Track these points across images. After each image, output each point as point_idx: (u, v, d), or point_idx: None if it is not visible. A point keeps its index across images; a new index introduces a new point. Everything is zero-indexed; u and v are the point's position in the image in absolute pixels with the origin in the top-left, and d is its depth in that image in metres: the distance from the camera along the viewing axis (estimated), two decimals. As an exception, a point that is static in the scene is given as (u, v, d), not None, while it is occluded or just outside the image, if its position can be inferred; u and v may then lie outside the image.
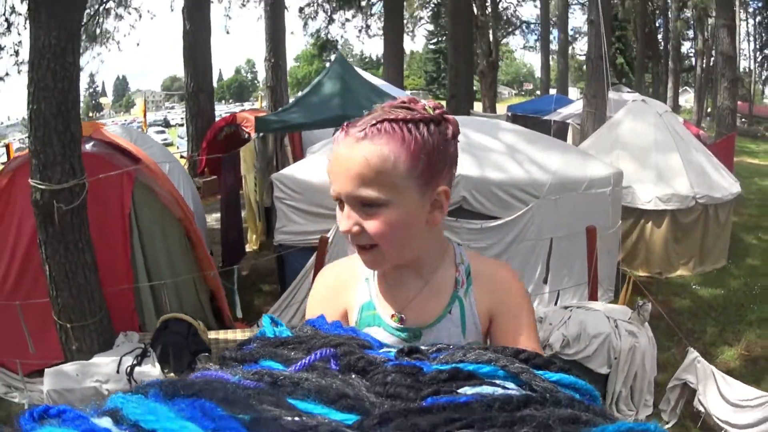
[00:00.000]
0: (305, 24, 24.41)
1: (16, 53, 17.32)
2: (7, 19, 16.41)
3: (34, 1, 4.11)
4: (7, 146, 15.05)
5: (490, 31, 24.89)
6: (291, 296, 5.27)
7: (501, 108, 23.31)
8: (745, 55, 42.86)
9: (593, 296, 4.94)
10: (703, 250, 7.52)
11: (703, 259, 7.55)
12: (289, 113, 8.79)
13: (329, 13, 24.32)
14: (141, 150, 5.91)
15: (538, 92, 37.21)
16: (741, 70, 41.78)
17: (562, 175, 5.67)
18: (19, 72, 17.27)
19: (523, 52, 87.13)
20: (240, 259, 7.89)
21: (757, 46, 42.23)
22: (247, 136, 11.42)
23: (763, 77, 43.22)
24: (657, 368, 4.44)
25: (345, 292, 1.29)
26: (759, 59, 42.68)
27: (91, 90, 69.96)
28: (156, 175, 5.42)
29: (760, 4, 38.29)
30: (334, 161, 1.09)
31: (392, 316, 1.22)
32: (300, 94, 9.89)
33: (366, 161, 1.04)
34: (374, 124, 1.06)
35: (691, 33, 36.41)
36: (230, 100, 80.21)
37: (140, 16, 21.10)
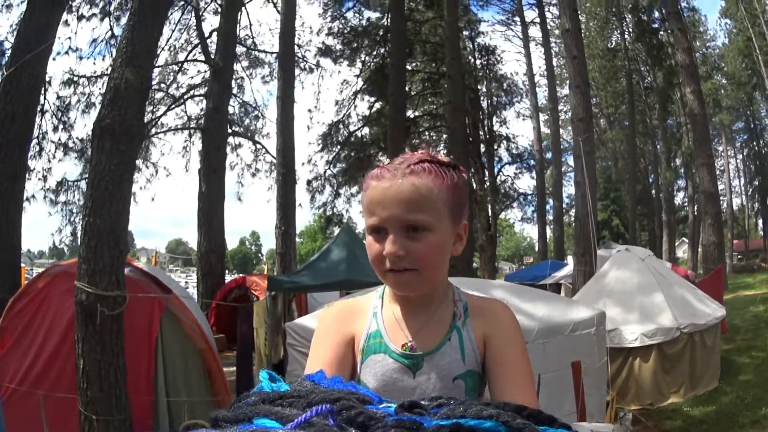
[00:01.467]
0: (312, 197, 25.30)
1: (45, 178, 18.19)
2: (39, 143, 17.36)
3: (99, 128, 4.85)
4: (20, 269, 15.45)
5: (489, 206, 25.73)
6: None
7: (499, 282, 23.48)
8: (737, 192, 43.88)
9: (582, 420, 5.45)
10: (693, 375, 7.85)
11: (694, 384, 7.86)
12: (299, 276, 9.50)
13: (335, 188, 25.32)
14: (168, 286, 6.54)
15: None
16: (735, 208, 42.74)
17: (548, 320, 6.31)
18: (45, 198, 18.15)
19: (523, 227, 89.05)
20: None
21: (747, 180, 43.13)
22: (255, 299, 11.88)
23: (756, 209, 43.93)
24: None
25: (352, 320, 1.39)
26: (749, 192, 43.44)
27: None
28: (183, 306, 6.04)
29: (745, 137, 39.63)
30: (379, 191, 1.24)
31: (403, 345, 1.32)
32: (310, 259, 10.62)
33: (417, 189, 1.21)
34: (417, 163, 1.24)
35: (682, 183, 37.31)
36: (234, 271, 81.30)
37: (156, 172, 22.21)
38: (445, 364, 1.30)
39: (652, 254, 10.10)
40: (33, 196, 17.66)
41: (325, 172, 25.45)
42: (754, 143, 39.59)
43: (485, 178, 26.74)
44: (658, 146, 34.85)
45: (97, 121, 5.05)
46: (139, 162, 20.44)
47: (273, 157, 17.76)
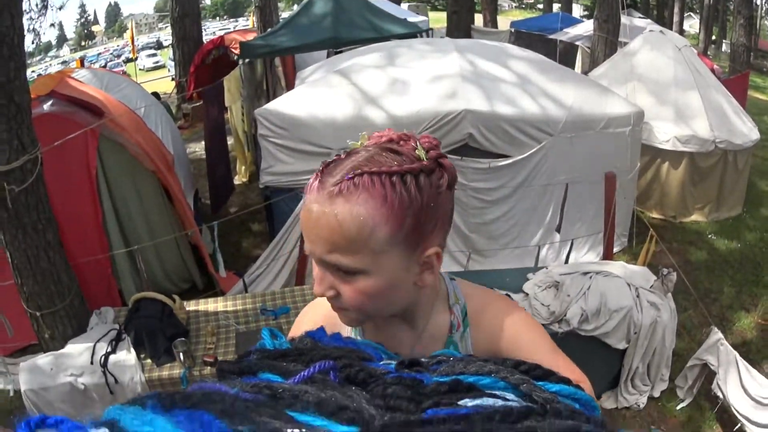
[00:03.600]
0: None
1: None
2: None
3: None
4: None
5: None
6: (279, 247, 4.84)
7: (503, 22, 21.97)
8: None
9: (609, 252, 4.52)
10: (720, 196, 7.11)
11: (720, 205, 7.16)
12: (276, 36, 8.23)
13: None
14: (111, 97, 5.40)
15: (540, 6, 35.88)
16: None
17: (579, 111, 5.15)
18: None
19: None
20: (228, 195, 7.54)
21: None
22: (235, 58, 10.66)
23: None
24: (674, 337, 4.11)
25: (337, 328, 1.09)
26: None
27: (82, 20, 68.89)
28: (124, 126, 4.90)
29: None
30: (305, 215, 0.92)
31: None
32: (289, 15, 9.21)
33: (339, 226, 0.86)
34: (351, 178, 0.86)
35: None
36: (224, 17, 78.57)
37: None
38: None
39: (689, 44, 8.73)
40: None
41: None
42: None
43: None
44: None
45: None
46: None
47: None
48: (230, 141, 7.93)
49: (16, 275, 3.91)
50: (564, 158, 5.08)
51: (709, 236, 6.76)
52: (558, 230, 5.18)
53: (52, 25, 19.68)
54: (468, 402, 0.58)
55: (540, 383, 0.64)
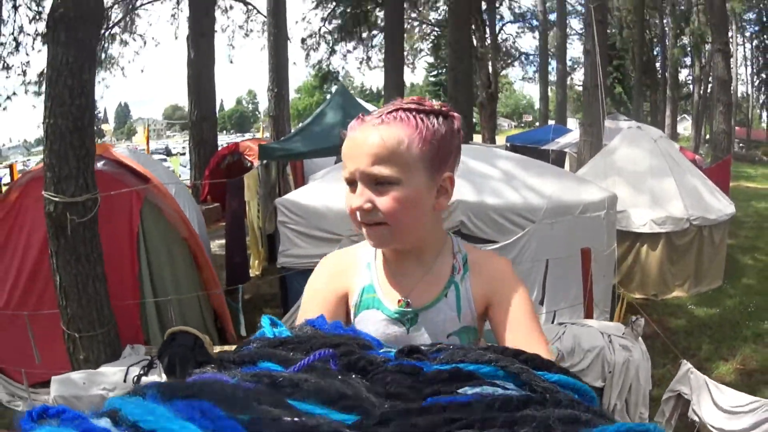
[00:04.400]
0: (307, 55, 24.64)
1: (24, 73, 17.60)
2: (15, 38, 16.70)
3: (53, 19, 4.29)
4: (11, 167, 15.22)
5: (490, 63, 25.13)
6: (293, 318, 5.39)
7: (500, 140, 23.49)
8: (743, 80, 43.21)
9: (589, 316, 5.05)
10: (698, 271, 7.63)
11: (699, 280, 7.66)
12: (291, 142, 9.01)
13: (331, 45, 24.61)
14: (148, 171, 6.08)
15: (537, 123, 37.35)
16: (739, 95, 42.18)
17: (557, 199, 5.82)
18: (26, 92, 17.82)
19: (522, 84, 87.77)
20: (244, 282, 7.98)
21: (754, 70, 42.47)
22: (249, 164, 11.50)
23: (761, 101, 43.51)
24: (652, 383, 4.51)
25: (345, 275, 1.34)
26: (756, 83, 42.99)
27: (93, 115, 70.50)
28: (164, 195, 5.61)
29: (757, 28, 38.60)
30: (350, 143, 1.17)
31: (399, 301, 1.27)
32: (302, 124, 10.06)
33: (383, 141, 1.12)
34: (390, 112, 1.16)
35: (688, 60, 36.57)
36: (231, 131, 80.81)
37: (145, 43, 21.45)
38: (440, 320, 1.28)
39: (664, 135, 9.55)
40: (15, 93, 17.37)
41: (320, 30, 24.61)
42: (765, 37, 38.50)
43: (486, 35, 25.72)
44: (666, 21, 33.65)
45: (50, 12, 4.45)
46: (126, 36, 20.47)
47: (264, 17, 16.69)
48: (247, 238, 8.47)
49: (62, 297, 4.37)
50: (546, 242, 5.68)
51: (689, 307, 7.19)
52: (542, 303, 5.73)
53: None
54: (468, 390, 0.60)
55: (540, 373, 0.65)
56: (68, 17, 4.23)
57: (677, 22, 32.12)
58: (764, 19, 36.88)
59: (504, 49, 27.74)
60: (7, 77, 17.00)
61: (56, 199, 4.25)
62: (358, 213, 1.17)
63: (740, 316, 6.93)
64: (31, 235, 5.19)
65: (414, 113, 1.16)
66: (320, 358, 0.63)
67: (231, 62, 23.62)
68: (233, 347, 3.55)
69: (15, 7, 15.92)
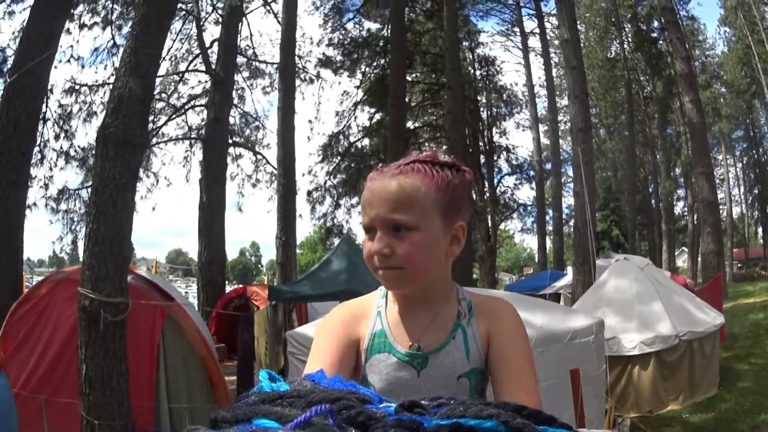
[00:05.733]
0: (313, 208, 25.27)
1: (46, 186, 18.02)
2: (41, 151, 17.24)
3: (104, 136, 4.90)
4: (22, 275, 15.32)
5: (489, 216, 25.72)
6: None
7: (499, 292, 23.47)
8: (737, 200, 43.79)
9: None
10: (692, 383, 7.85)
11: (693, 391, 7.86)
12: (299, 285, 9.52)
13: (335, 198, 25.27)
14: (170, 293, 6.57)
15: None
16: (735, 216, 42.69)
17: (547, 329, 6.29)
18: (46, 206, 18.04)
19: (523, 237, 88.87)
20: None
21: (747, 188, 42.89)
22: (256, 308, 11.94)
23: (755, 217, 43.64)
24: None
25: (358, 322, 1.40)
26: (749, 201, 43.12)
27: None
28: (185, 314, 6.07)
29: (745, 145, 39.42)
30: (370, 192, 1.25)
31: (410, 345, 1.32)
32: (310, 269, 10.66)
33: (401, 188, 1.21)
34: (407, 164, 1.26)
35: (682, 192, 37.21)
36: (234, 282, 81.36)
37: (157, 182, 22.15)
38: (450, 362, 1.31)
39: (650, 263, 10.07)
40: (35, 204, 17.63)
41: (325, 183, 25.48)
42: (754, 151, 39.40)
43: (485, 189, 26.77)
44: (658, 156, 34.78)
45: (101, 128, 5.09)
46: (140, 171, 20.33)
47: (273, 167, 17.74)
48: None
49: (85, 385, 4.61)
50: (537, 368, 6.12)
51: (684, 416, 7.37)
52: (535, 427, 6.14)
53: (74, 243, 20.37)
54: None
55: (542, 427, 0.63)
56: (116, 137, 4.87)
57: (668, 155, 33.00)
58: (751, 133, 37.81)
59: (502, 201, 28.38)
60: (29, 186, 17.56)
61: (92, 295, 4.66)
62: (376, 258, 1.25)
63: (736, 415, 7.09)
64: (56, 329, 5.57)
65: (429, 165, 1.26)
66: (318, 414, 0.60)
67: (240, 210, 24.31)
68: None
69: (44, 120, 16.30)
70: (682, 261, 41.84)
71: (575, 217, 12.72)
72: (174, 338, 6.03)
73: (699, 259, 30.84)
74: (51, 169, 18.28)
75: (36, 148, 15.80)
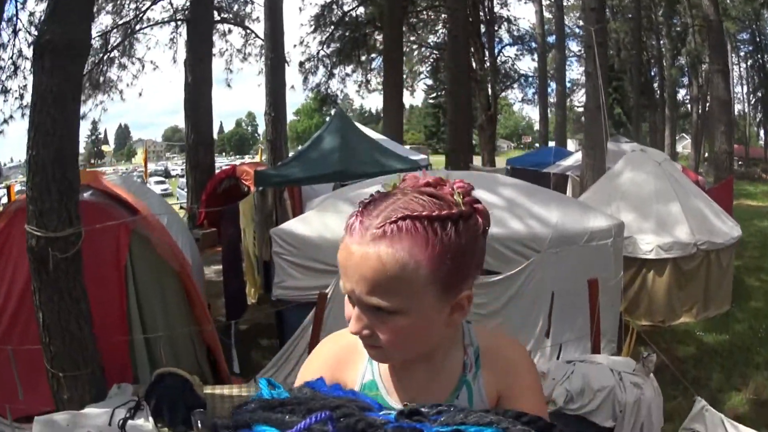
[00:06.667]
0: (305, 79, 24.68)
1: (21, 96, 17.71)
2: (14, 62, 16.93)
3: (40, 46, 4.13)
4: (9, 188, 15.10)
5: (489, 85, 25.24)
6: (289, 352, 5.18)
7: (500, 161, 23.37)
8: (739, 98, 43.48)
9: (596, 349, 4.85)
10: (706, 296, 7.46)
11: (707, 305, 7.48)
12: (288, 168, 8.87)
13: (329, 68, 24.68)
14: (140, 201, 5.90)
15: (537, 145, 37.44)
16: (736, 113, 42.49)
17: (563, 228, 5.63)
18: (23, 116, 17.68)
19: (521, 105, 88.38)
20: (242, 312, 7.85)
21: (750, 89, 42.91)
22: (246, 189, 11.48)
23: (758, 119, 43.77)
24: (663, 418, 4.33)
25: (345, 368, 1.16)
26: (753, 102, 43.35)
27: (93, 137, 70.78)
28: (153, 226, 5.40)
29: (751, 48, 39.00)
30: (345, 255, 0.95)
31: (405, 405, 1.05)
32: (300, 148, 9.93)
33: (383, 267, 0.90)
34: (395, 221, 0.91)
35: (686, 80, 36.90)
36: (231, 153, 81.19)
37: (143, 67, 21.60)
38: None
39: (668, 158, 9.42)
40: (11, 116, 17.47)
41: (318, 53, 24.75)
42: (759, 56, 38.70)
43: (485, 59, 25.90)
44: (662, 42, 33.92)
45: (36, 38, 4.39)
46: (124, 59, 20.68)
47: (262, 40, 16.80)
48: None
49: (45, 335, 4.15)
50: (551, 272, 5.49)
51: (698, 333, 7.01)
52: (547, 335, 5.52)
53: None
54: None
55: None
56: (55, 45, 4.06)
57: (674, 43, 32.52)
58: (757, 39, 37.25)
59: (503, 71, 27.83)
60: (5, 101, 17.13)
61: (38, 233, 4.03)
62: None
63: (750, 342, 6.75)
64: (18, 267, 4.97)
65: (426, 222, 0.91)
66: (318, 422, 0.61)
67: (229, 86, 23.65)
68: (225, 386, 3.35)
69: (15, 32, 16.15)
70: (681, 147, 42.01)
71: (586, 99, 11.96)
72: (143, 256, 5.35)
73: (702, 150, 30.62)
74: (25, 78, 17.52)
75: (9, 61, 16.09)
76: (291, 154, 12.34)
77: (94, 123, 61.69)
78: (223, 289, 7.45)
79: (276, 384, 0.82)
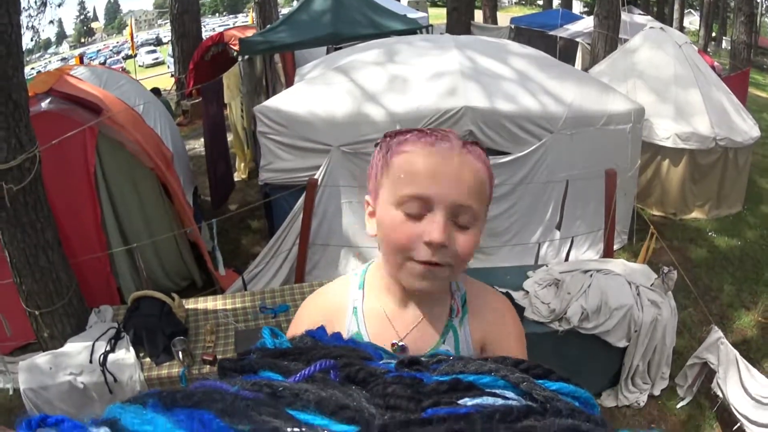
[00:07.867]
0: None
1: None
2: None
3: None
4: None
5: None
6: (278, 244, 4.82)
7: (502, 18, 21.73)
8: None
9: (609, 249, 4.50)
10: (720, 193, 7.11)
11: (720, 203, 7.15)
12: (276, 33, 8.14)
13: None
14: (109, 94, 5.34)
15: (540, 2, 35.75)
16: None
17: (579, 108, 5.11)
18: None
19: None
20: (229, 192, 7.53)
21: None
22: (235, 54, 10.68)
23: None
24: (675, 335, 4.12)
25: (331, 323, 1.12)
26: None
27: (82, 16, 68.70)
28: (121, 125, 4.83)
29: None
30: (438, 161, 0.96)
31: (392, 345, 1.11)
32: (288, 10, 9.14)
33: (477, 172, 0.99)
34: (471, 143, 1.02)
35: None
36: (224, 13, 78.50)
37: None
38: None
39: (689, 41, 8.68)
40: None
41: None
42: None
43: None
44: None
45: None
46: None
47: None
48: (230, 138, 7.85)
49: (15, 274, 3.87)
50: (564, 155, 5.05)
51: (710, 234, 6.74)
52: (558, 228, 5.15)
53: (51, 21, 19.84)
54: (468, 401, 0.58)
55: (540, 381, 0.64)
56: None
57: None
58: None
59: None
60: None
61: None
62: (421, 247, 0.97)
63: (761, 253, 6.51)
64: None
65: (483, 150, 1.05)
66: (321, 369, 0.63)
67: None
68: (209, 298, 2.96)
69: None
70: (688, 22, 40.94)
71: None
72: (114, 158, 4.86)
73: (713, 31, 29.67)
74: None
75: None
76: (282, 15, 11.42)
77: (81, 2, 59.22)
78: (207, 170, 6.97)
79: (279, 333, 0.84)
